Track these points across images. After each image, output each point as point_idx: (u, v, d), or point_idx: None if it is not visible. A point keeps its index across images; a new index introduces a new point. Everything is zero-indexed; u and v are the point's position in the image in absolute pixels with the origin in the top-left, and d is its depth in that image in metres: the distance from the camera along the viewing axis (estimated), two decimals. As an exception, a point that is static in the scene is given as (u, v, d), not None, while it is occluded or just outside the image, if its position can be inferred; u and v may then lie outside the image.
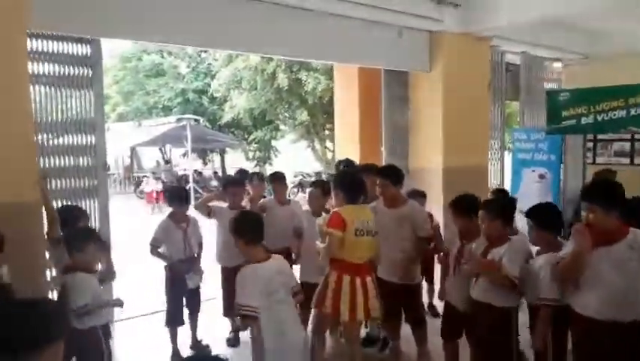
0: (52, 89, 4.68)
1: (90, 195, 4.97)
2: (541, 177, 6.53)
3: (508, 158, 8.47)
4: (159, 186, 16.57)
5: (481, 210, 3.36)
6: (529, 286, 3.19)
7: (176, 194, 4.67)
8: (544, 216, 3.22)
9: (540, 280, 3.09)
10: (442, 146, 6.68)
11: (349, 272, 3.48)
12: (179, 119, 17.68)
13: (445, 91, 6.68)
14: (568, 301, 2.98)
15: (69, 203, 4.78)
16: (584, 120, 5.89)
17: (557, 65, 9.08)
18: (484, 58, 7.24)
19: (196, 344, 4.57)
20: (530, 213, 3.29)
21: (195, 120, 18.02)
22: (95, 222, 5.00)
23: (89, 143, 4.91)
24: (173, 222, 4.39)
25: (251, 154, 21.60)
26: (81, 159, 4.89)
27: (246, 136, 20.99)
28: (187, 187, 16.43)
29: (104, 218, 5.07)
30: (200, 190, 17.24)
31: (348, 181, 3.75)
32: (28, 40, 4.29)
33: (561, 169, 6.45)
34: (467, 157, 6.88)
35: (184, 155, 20.96)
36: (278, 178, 4.91)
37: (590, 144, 7.38)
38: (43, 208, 3.59)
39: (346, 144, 7.76)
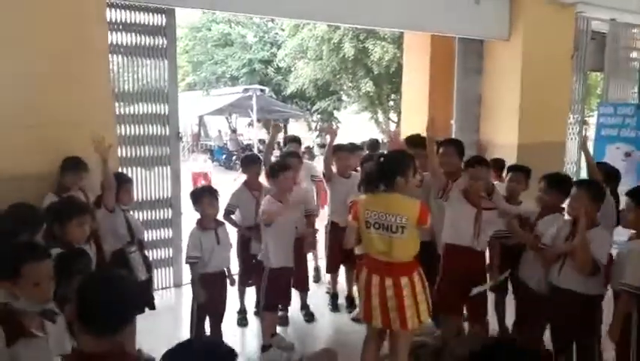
0: (129, 58, 4.80)
1: (163, 162, 5.14)
2: (627, 154, 6.07)
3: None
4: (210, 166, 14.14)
5: (582, 190, 3.12)
6: (615, 273, 2.98)
7: (250, 159, 4.69)
8: None
9: (627, 264, 2.88)
10: (518, 120, 6.34)
11: (367, 267, 3.13)
12: (245, 90, 17.91)
13: (524, 61, 6.30)
14: None
15: (143, 170, 4.98)
16: (681, 94, 5.38)
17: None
18: (568, 25, 6.75)
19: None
20: (633, 194, 3.05)
21: (261, 91, 18.18)
22: (167, 189, 5.19)
23: (162, 112, 5.04)
24: (247, 190, 4.43)
25: (313, 125, 21.66)
26: (155, 127, 5.03)
27: (309, 107, 21.01)
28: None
29: (176, 184, 5.25)
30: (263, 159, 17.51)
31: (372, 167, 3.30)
32: (107, 10, 4.42)
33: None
34: (544, 132, 6.51)
35: (249, 124, 21.31)
36: (339, 149, 4.80)
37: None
38: (102, 175, 3.56)
39: (413, 115, 7.53)
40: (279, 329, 4.27)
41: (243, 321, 4.59)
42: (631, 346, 2.90)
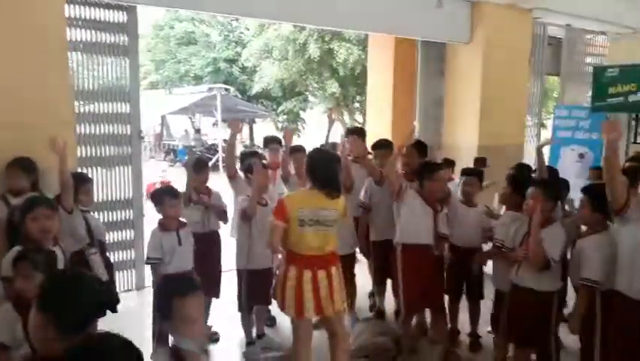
0: (89, 56, 4.69)
1: (124, 162, 5.04)
2: (581, 156, 6.32)
3: (544, 135, 8.22)
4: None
5: (539, 190, 3.20)
6: (573, 268, 3.12)
7: (190, 164, 4.33)
8: (602, 197, 3.00)
9: (585, 259, 3.00)
10: (478, 122, 6.51)
11: (296, 264, 3.12)
12: (209, 89, 17.68)
13: (484, 64, 6.48)
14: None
15: (103, 170, 4.87)
16: (631, 98, 5.63)
17: (602, 38, 8.69)
18: (526, 30, 6.97)
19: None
20: (588, 191, 3.18)
21: (226, 90, 17.98)
22: (129, 189, 5.08)
23: (123, 111, 4.94)
24: (195, 195, 4.28)
25: (280, 125, 21.59)
26: (116, 126, 4.93)
27: (275, 107, 20.95)
28: (216, 156, 16.59)
29: (137, 184, 5.16)
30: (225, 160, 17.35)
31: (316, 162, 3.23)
32: (66, 6, 4.30)
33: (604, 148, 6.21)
34: (503, 134, 6.71)
35: (214, 124, 21.06)
36: (296, 151, 4.65)
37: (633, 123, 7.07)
38: (59, 175, 3.45)
39: (378, 117, 7.63)
40: (267, 330, 4.28)
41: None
42: (595, 336, 3.03)
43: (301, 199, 3.14)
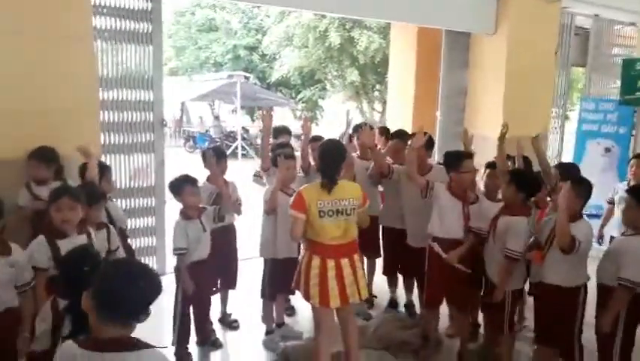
0: (113, 43, 4.72)
1: (147, 149, 5.08)
2: (607, 150, 6.19)
3: (567, 127, 8.07)
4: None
5: (571, 185, 3.11)
6: (607, 267, 3.07)
7: (213, 152, 4.14)
8: None
9: (624, 259, 2.95)
10: (502, 113, 6.40)
11: (320, 254, 3.14)
12: (229, 76, 17.71)
13: (509, 55, 6.34)
14: None
15: (126, 157, 4.92)
16: (662, 92, 5.49)
17: (631, 29, 8.44)
18: (553, 20, 6.81)
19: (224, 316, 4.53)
20: (634, 192, 3.12)
21: (245, 77, 17.99)
22: (151, 176, 5.13)
23: (147, 98, 4.98)
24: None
25: (298, 113, 21.55)
26: (139, 113, 4.97)
27: (294, 95, 20.91)
28: (235, 144, 16.66)
29: (160, 172, 5.20)
30: (247, 147, 17.43)
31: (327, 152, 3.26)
32: (91, -7, 4.33)
33: (631, 142, 6.09)
34: (527, 125, 6.56)
35: (233, 111, 21.10)
36: (316, 140, 4.44)
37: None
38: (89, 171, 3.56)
39: (399, 106, 7.57)
40: (286, 320, 4.31)
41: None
42: (616, 336, 3.00)
43: (320, 191, 3.14)
